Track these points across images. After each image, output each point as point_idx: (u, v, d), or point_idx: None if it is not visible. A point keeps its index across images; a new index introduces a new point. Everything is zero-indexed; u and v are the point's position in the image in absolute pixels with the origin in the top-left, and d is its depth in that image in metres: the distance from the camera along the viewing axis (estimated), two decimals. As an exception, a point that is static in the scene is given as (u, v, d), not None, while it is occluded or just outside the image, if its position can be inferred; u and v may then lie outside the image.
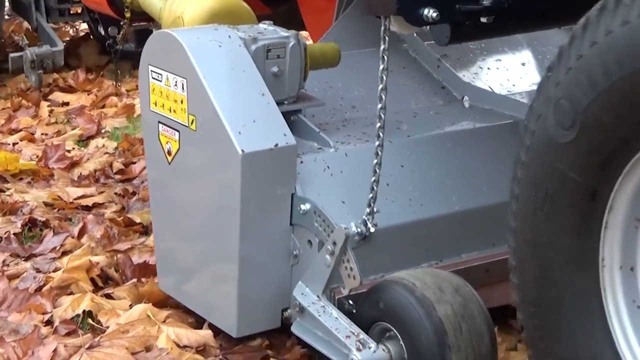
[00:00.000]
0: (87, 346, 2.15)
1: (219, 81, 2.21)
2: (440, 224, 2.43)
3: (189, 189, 2.41)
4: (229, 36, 2.29)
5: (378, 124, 2.20)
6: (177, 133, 2.28)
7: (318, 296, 2.15)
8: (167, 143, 2.32)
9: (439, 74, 2.92)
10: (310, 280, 2.18)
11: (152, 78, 2.36)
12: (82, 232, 2.92)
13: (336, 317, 2.10)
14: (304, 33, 2.98)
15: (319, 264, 2.14)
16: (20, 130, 4.15)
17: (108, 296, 2.51)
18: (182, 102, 2.24)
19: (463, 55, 2.95)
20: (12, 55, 4.50)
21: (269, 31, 2.36)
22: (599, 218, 1.51)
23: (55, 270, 2.63)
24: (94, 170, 3.59)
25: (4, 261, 2.70)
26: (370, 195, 2.16)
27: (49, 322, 2.35)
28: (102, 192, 3.37)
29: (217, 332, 2.29)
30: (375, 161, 2.19)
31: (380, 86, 2.22)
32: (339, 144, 2.37)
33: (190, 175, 2.37)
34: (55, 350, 2.14)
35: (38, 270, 2.64)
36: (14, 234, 2.92)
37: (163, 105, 2.33)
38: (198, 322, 2.38)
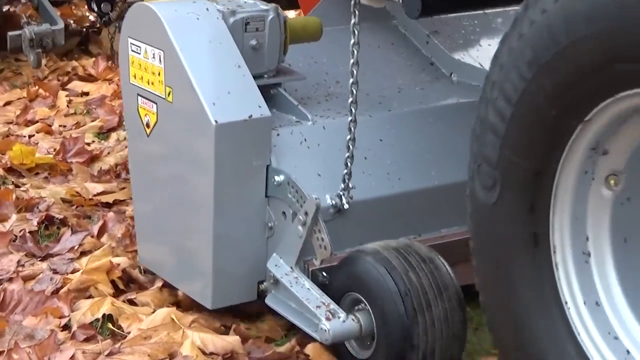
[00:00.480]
0: (106, 353, 2.23)
1: (195, 53, 2.49)
2: (419, 198, 2.70)
3: (166, 161, 2.73)
4: (207, 9, 2.56)
5: (350, 99, 2.50)
6: (155, 105, 2.59)
7: (291, 267, 2.46)
8: (145, 115, 2.63)
9: (428, 51, 3.15)
10: (283, 252, 2.48)
11: (131, 51, 2.64)
12: (102, 230, 3.03)
13: (308, 288, 2.41)
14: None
15: (292, 235, 2.44)
16: (37, 121, 4.25)
17: (130, 301, 2.59)
18: (159, 74, 2.52)
19: (454, 32, 3.13)
20: (10, 33, 4.71)
21: (249, 4, 2.61)
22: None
23: (73, 272, 2.71)
24: (114, 165, 3.69)
25: (18, 261, 2.77)
26: (345, 170, 2.46)
27: (66, 327, 2.43)
28: (123, 189, 3.45)
29: (245, 338, 2.39)
30: (348, 137, 2.48)
31: (352, 61, 2.49)
32: (317, 118, 2.69)
33: (167, 147, 2.69)
34: (72, 357, 2.23)
35: (55, 272, 2.71)
36: (30, 232, 3.00)
37: (142, 77, 2.63)
38: (225, 327, 2.48)
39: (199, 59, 2.50)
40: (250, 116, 2.46)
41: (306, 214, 2.38)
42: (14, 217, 3.13)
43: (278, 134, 2.60)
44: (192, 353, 2.25)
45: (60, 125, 4.26)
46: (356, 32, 2.47)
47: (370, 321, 2.32)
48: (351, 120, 2.47)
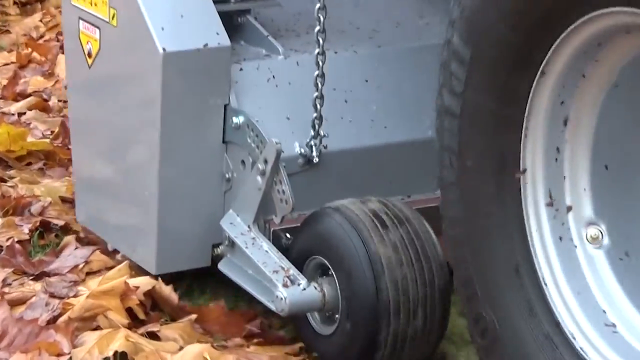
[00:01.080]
0: None
1: None
2: (409, 151, 2.79)
3: (109, 98, 2.86)
4: None
5: (317, 28, 2.63)
6: (97, 30, 2.70)
7: (249, 226, 2.59)
8: (87, 43, 2.75)
9: None
10: (240, 208, 2.62)
11: None
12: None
13: (266, 251, 2.55)
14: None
15: (250, 188, 2.59)
16: (29, 94, 4.24)
17: (152, 335, 2.56)
18: None
19: None
20: None
21: None
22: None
23: (76, 295, 2.67)
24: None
25: (4, 280, 2.75)
26: (315, 114, 2.60)
27: None
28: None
29: None
30: (316, 72, 2.61)
31: None
32: (292, 52, 2.81)
33: (110, 80, 2.83)
34: None
35: (52, 295, 2.68)
36: (19, 242, 2.97)
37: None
38: None
39: None
40: (206, 45, 2.60)
41: (265, 161, 2.50)
42: None
43: (241, 69, 2.74)
44: None
45: (59, 101, 4.24)
46: None
47: (335, 290, 2.45)
48: (318, 53, 2.60)
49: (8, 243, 2.94)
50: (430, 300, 2.42)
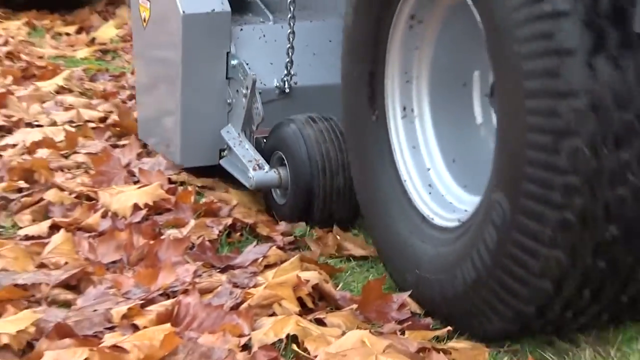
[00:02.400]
0: None
1: None
2: None
3: (153, 48, 4.20)
4: None
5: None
6: (148, 2, 4.00)
7: (238, 133, 3.85)
8: (143, 12, 4.09)
9: None
10: (234, 122, 3.89)
11: None
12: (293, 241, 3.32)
13: (247, 148, 3.80)
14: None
15: (239, 108, 3.84)
16: None
17: (318, 321, 2.76)
18: None
19: None
20: None
21: None
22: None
23: (255, 286, 2.93)
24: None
25: (195, 272, 2.98)
26: (287, 59, 3.82)
27: (246, 347, 2.59)
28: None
29: None
30: (288, 30, 3.83)
31: None
32: (279, 20, 4.01)
33: (155, 35, 4.12)
34: None
35: (235, 285, 2.94)
36: (209, 240, 3.25)
37: None
38: (420, 354, 2.61)
39: None
40: (213, 10, 3.84)
41: (247, 88, 3.74)
42: (192, 222, 3.40)
43: (241, 29, 3.98)
44: None
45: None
46: None
47: (287, 173, 3.67)
48: (290, 17, 3.79)
49: (199, 241, 3.19)
50: (347, 165, 3.51)
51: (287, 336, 2.65)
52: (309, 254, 3.23)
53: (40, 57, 5.49)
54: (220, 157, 3.91)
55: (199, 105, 3.88)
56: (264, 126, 3.70)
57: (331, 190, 3.54)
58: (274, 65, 3.87)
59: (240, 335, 2.67)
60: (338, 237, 3.50)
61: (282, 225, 3.51)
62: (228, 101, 3.93)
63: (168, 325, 2.67)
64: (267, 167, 3.64)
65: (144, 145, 4.22)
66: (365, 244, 3.52)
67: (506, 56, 2.68)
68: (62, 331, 2.66)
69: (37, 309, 2.84)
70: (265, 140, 3.78)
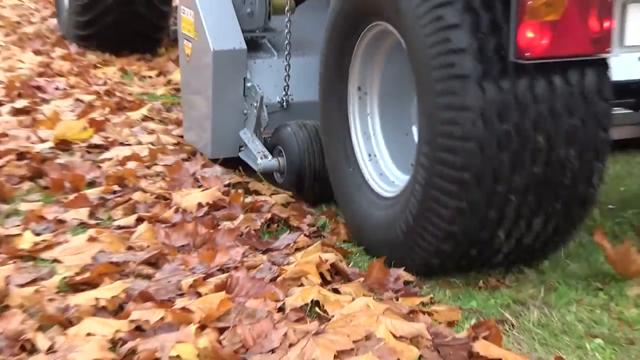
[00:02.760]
0: (313, 332, 2.37)
1: (209, 14, 4.07)
2: None
3: (195, 75, 4.36)
4: None
5: (286, 41, 4.06)
6: (190, 42, 4.24)
7: (251, 134, 4.08)
8: (187, 50, 4.33)
9: None
10: (248, 126, 4.12)
11: (182, 13, 4.29)
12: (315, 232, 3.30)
13: (257, 144, 4.03)
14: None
15: (252, 116, 4.06)
16: None
17: (335, 290, 2.75)
18: (192, 24, 4.12)
19: None
20: (173, 27, 6.10)
21: None
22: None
23: (288, 264, 2.92)
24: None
25: (243, 253, 2.99)
26: (285, 83, 4.06)
27: (280, 309, 2.60)
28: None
29: (429, 325, 2.51)
30: (285, 64, 4.06)
31: (286, 18, 4.07)
32: (282, 55, 4.14)
33: (195, 66, 4.30)
34: (285, 334, 2.38)
35: (273, 263, 2.94)
36: (254, 230, 3.26)
37: (185, 28, 4.23)
38: (411, 314, 2.60)
39: (210, 17, 4.04)
40: (234, 48, 4.06)
41: (257, 102, 4.00)
42: (241, 216, 3.39)
43: (254, 62, 4.21)
44: (385, 336, 2.36)
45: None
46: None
47: (284, 162, 3.89)
48: (287, 54, 4.05)
49: (246, 230, 3.20)
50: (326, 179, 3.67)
51: (312, 301, 2.66)
52: (327, 240, 3.21)
53: (130, 94, 5.49)
54: (239, 151, 4.17)
55: (224, 115, 4.12)
56: (269, 129, 4.05)
57: (315, 173, 3.76)
58: (277, 87, 4.08)
59: (277, 301, 2.68)
60: None
61: (308, 218, 3.47)
62: (244, 112, 4.14)
63: (223, 293, 2.69)
64: (270, 157, 3.93)
65: (205, 159, 4.21)
66: None
67: (425, 80, 2.84)
68: (145, 297, 2.70)
69: (126, 280, 2.87)
70: (269, 139, 4.03)
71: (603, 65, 2.80)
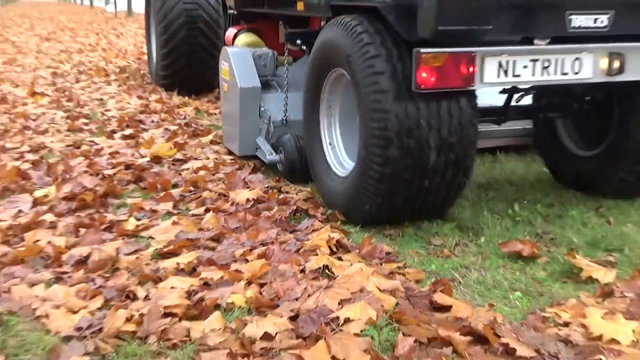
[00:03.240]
0: (324, 287, 2.42)
1: (239, 65, 4.29)
2: None
3: (229, 103, 4.50)
4: (247, 51, 4.43)
5: (285, 82, 4.13)
6: (226, 83, 4.46)
7: (264, 140, 4.18)
8: (224, 86, 4.54)
9: None
10: (262, 135, 4.22)
11: (221, 64, 4.52)
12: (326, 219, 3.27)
13: (267, 146, 4.12)
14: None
15: (264, 129, 4.19)
16: None
17: (339, 258, 2.75)
18: (227, 71, 4.38)
19: None
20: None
21: (262, 51, 4.38)
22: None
23: (307, 240, 2.92)
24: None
25: (277, 233, 3.02)
26: (284, 108, 4.10)
27: (302, 271, 2.62)
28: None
29: (403, 282, 2.51)
30: (284, 97, 4.10)
31: (285, 65, 4.23)
32: (283, 91, 4.15)
33: (229, 98, 4.47)
34: (305, 288, 2.43)
35: (297, 239, 2.95)
36: (285, 217, 3.26)
37: (224, 73, 4.48)
38: (390, 275, 2.59)
39: (239, 67, 4.27)
40: (253, 86, 4.23)
41: (267, 120, 4.15)
42: (275, 208, 3.38)
43: (266, 95, 4.28)
44: (372, 289, 2.39)
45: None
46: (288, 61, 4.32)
47: (283, 157, 3.94)
48: (286, 90, 4.10)
49: (279, 217, 3.19)
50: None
51: (323, 265, 2.65)
52: (333, 224, 3.17)
53: (201, 125, 5.50)
54: (256, 150, 4.29)
55: (247, 128, 4.28)
56: (274, 137, 4.15)
57: (302, 165, 3.81)
58: (279, 111, 4.14)
59: (299, 265, 2.68)
60: None
61: (321, 209, 3.40)
62: (259, 126, 4.25)
63: (263, 260, 2.72)
64: (274, 154, 4.02)
65: (251, 168, 4.19)
66: None
67: (362, 95, 3.00)
68: (210, 262, 2.72)
69: (198, 251, 2.88)
70: (274, 143, 4.12)
71: (472, 94, 2.97)
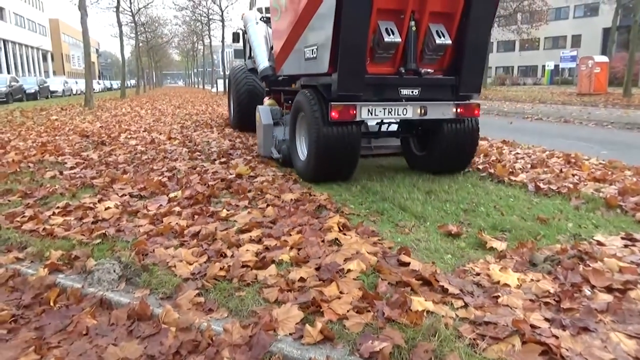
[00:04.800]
0: (335, 250, 2.30)
1: (263, 114, 4.90)
2: None
3: (259, 132, 4.77)
4: (268, 107, 4.99)
5: (283, 122, 4.61)
6: (257, 122, 5.00)
7: (274, 148, 4.53)
8: (257, 123, 5.18)
9: None
10: (273, 146, 4.50)
11: (256, 113, 5.04)
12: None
13: (275, 151, 4.51)
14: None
15: (274, 143, 4.50)
16: None
17: (344, 234, 2.61)
18: (259, 115, 5.00)
19: None
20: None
21: (275, 107, 4.91)
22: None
23: (326, 223, 2.77)
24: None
25: (308, 219, 2.88)
26: (283, 134, 4.47)
27: (322, 241, 2.51)
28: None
29: (380, 248, 2.41)
30: (283, 129, 4.53)
31: (283, 115, 4.94)
32: (284, 126, 4.64)
33: (258, 129, 4.80)
34: (324, 251, 2.31)
35: (320, 223, 2.80)
36: (313, 209, 3.09)
37: (257, 117, 5.03)
38: (374, 244, 2.49)
39: (263, 114, 4.96)
40: (269, 123, 4.75)
41: (276, 139, 4.57)
42: (307, 204, 3.21)
43: (276, 128, 4.73)
44: (364, 252, 2.31)
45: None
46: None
47: (281, 155, 4.38)
48: (284, 125, 4.49)
49: (311, 210, 3.06)
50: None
51: (335, 238, 2.57)
52: (341, 214, 3.08)
53: (265, 157, 5.43)
54: (271, 153, 4.60)
55: (266, 142, 4.72)
56: (279, 147, 4.53)
57: (289, 159, 4.31)
58: (281, 135, 4.59)
59: (321, 238, 2.60)
60: (352, 206, 3.27)
61: (334, 204, 3.28)
62: (272, 142, 4.72)
63: (300, 234, 2.65)
64: (278, 154, 4.48)
65: (292, 179, 4.05)
66: (357, 209, 3.21)
67: (309, 123, 3.85)
68: (269, 235, 2.67)
69: (262, 229, 2.78)
70: (278, 149, 4.49)
71: (357, 123, 3.76)
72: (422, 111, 3.73)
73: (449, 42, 3.47)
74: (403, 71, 3.57)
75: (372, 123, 4.59)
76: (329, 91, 3.53)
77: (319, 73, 3.65)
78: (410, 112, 3.71)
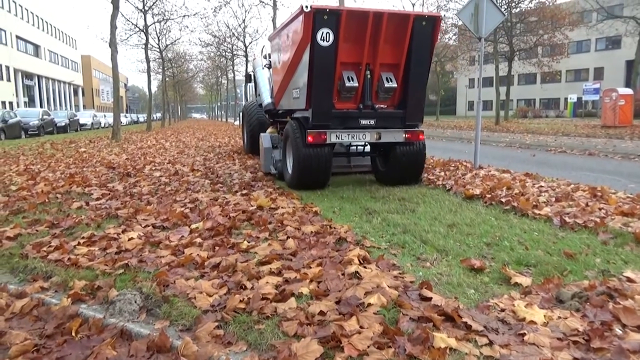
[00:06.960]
0: (356, 284, 2.31)
1: (264, 140, 6.08)
2: None
3: (261, 154, 5.51)
4: (269, 134, 6.19)
5: (280, 146, 5.41)
6: (261, 146, 5.99)
7: (272, 166, 5.50)
8: (260, 148, 6.26)
9: None
10: (272, 164, 5.34)
11: (260, 140, 6.12)
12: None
13: (273, 168, 5.46)
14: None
15: (273, 162, 5.51)
16: None
17: (364, 266, 2.57)
18: (261, 142, 6.20)
19: None
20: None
21: (274, 135, 5.99)
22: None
23: (346, 256, 2.75)
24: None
25: (328, 252, 2.85)
26: (279, 155, 5.16)
27: (343, 274, 2.48)
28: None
29: (402, 282, 2.38)
30: (280, 151, 5.30)
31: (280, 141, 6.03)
32: (281, 149, 5.01)
33: (261, 152, 5.58)
34: (344, 284, 2.30)
35: (340, 255, 2.78)
36: (333, 242, 3.08)
37: (260, 143, 6.08)
38: (394, 277, 2.47)
39: (265, 140, 5.89)
40: (269, 147, 5.58)
41: (275, 159, 5.11)
42: (328, 237, 3.20)
43: (274, 150, 5.19)
44: (384, 286, 2.27)
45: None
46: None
47: (277, 172, 4.93)
48: (280, 149, 4.75)
49: (329, 242, 3.07)
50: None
51: (355, 271, 2.55)
52: (361, 247, 3.03)
53: (286, 191, 5.36)
54: (270, 169, 5.48)
55: (267, 162, 5.54)
56: (275, 165, 5.45)
57: (282, 174, 5.21)
58: (278, 156, 5.39)
59: (341, 271, 2.58)
60: (373, 239, 3.20)
61: (350, 234, 3.25)
62: (271, 161, 5.65)
63: (320, 267, 2.65)
64: (275, 170, 5.35)
65: (312, 211, 4.01)
66: (378, 241, 3.16)
67: (293, 145, 4.89)
68: (289, 267, 2.67)
69: (282, 261, 2.79)
70: (275, 166, 5.28)
71: (329, 146, 4.86)
72: (378, 136, 4.95)
73: (396, 85, 4.78)
74: (362, 107, 4.84)
75: (346, 145, 5.89)
76: (307, 122, 4.76)
77: (300, 108, 4.93)
78: (369, 136, 4.95)
